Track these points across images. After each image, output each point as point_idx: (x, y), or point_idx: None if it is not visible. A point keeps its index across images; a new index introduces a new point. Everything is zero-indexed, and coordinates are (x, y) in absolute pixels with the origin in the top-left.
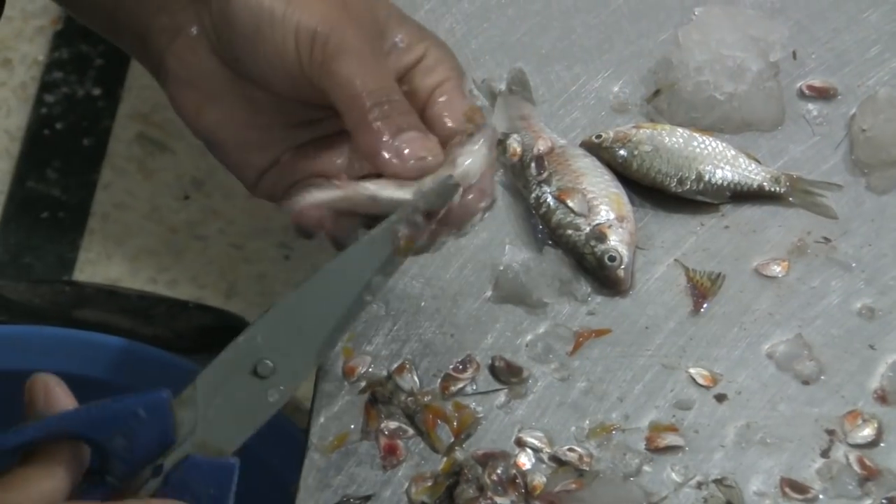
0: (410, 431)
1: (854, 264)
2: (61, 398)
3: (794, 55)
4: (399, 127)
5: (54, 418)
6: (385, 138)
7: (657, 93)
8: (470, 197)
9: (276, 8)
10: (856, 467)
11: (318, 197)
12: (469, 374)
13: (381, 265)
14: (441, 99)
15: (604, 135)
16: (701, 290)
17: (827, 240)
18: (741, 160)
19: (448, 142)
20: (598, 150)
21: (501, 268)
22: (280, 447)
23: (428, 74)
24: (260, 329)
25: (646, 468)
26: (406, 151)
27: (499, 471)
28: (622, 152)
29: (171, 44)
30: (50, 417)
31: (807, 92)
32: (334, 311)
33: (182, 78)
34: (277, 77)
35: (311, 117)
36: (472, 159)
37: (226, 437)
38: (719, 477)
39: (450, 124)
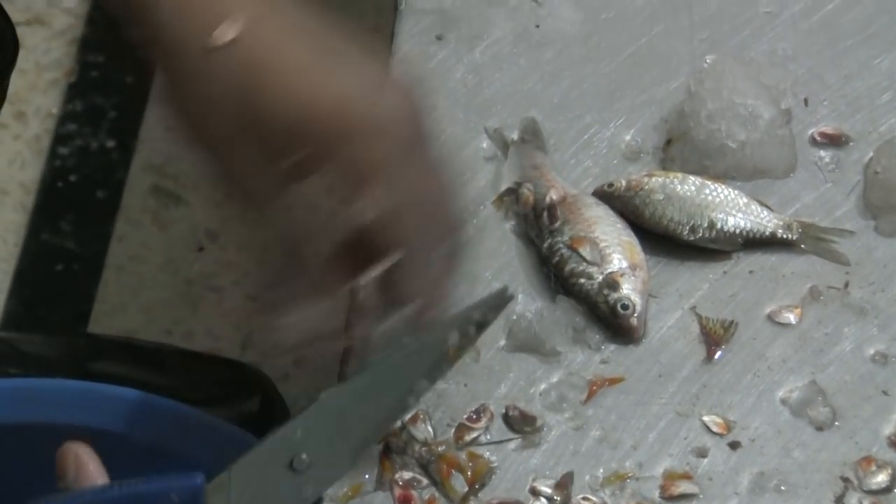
0: (425, 481)
1: (867, 310)
2: (92, 472)
3: (806, 102)
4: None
5: (86, 494)
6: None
7: (670, 142)
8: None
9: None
10: None
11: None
12: (483, 423)
13: (427, 371)
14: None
15: (616, 183)
16: (714, 337)
17: (839, 287)
18: (753, 207)
19: None
20: (610, 198)
21: (514, 317)
22: None
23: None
24: (301, 423)
25: None
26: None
27: None
28: (634, 201)
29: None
30: (80, 492)
31: (818, 139)
32: (377, 411)
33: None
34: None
35: None
36: None
37: None
38: None
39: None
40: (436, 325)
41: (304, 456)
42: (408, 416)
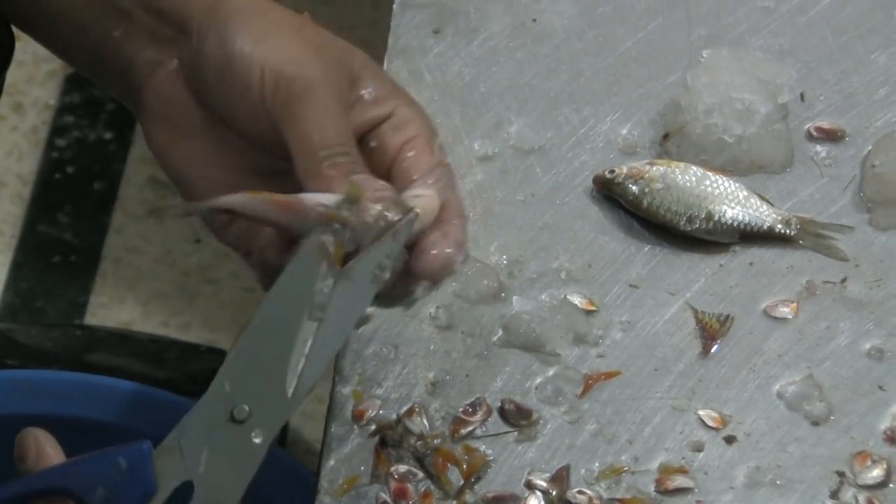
0: (421, 475)
1: (863, 305)
2: (51, 454)
3: (803, 97)
4: (349, 172)
5: (40, 474)
6: (334, 185)
7: (666, 136)
8: (432, 240)
9: (246, 44)
10: None
11: (237, 199)
12: (479, 416)
13: (318, 280)
14: (409, 154)
15: (617, 170)
16: (710, 332)
17: (836, 281)
18: (753, 201)
19: None
20: (610, 185)
21: (513, 312)
22: (290, 490)
23: (397, 132)
24: (224, 377)
25: None
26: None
27: None
28: (634, 188)
29: (150, 78)
30: (36, 473)
31: (815, 134)
32: (290, 339)
33: (157, 112)
34: (241, 112)
35: (278, 167)
36: (422, 194)
37: (226, 489)
38: None
39: (415, 178)
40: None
41: (243, 406)
42: (399, 404)
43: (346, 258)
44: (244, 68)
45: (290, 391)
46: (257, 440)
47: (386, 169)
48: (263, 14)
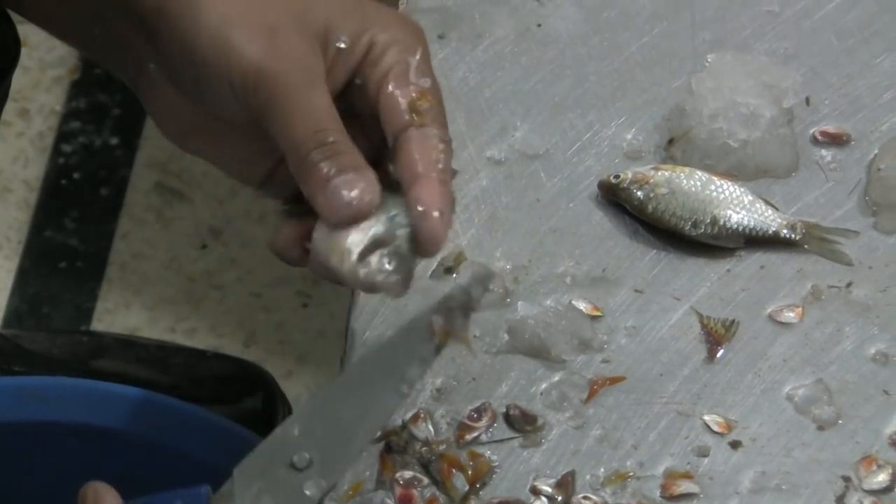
0: (426, 481)
1: (868, 310)
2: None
3: (808, 101)
4: (333, 173)
5: None
6: (322, 184)
7: (671, 141)
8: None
9: (209, 54)
10: None
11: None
12: (484, 422)
13: (417, 357)
14: (388, 90)
15: (622, 175)
16: (715, 336)
17: (841, 286)
18: (758, 205)
19: (400, 138)
20: (615, 190)
21: (518, 317)
22: None
23: (375, 65)
24: (298, 420)
25: None
26: (342, 193)
27: None
28: (639, 194)
29: (139, 80)
30: None
31: (820, 138)
32: (371, 402)
33: (157, 112)
34: (233, 116)
35: None
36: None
37: None
38: None
39: (395, 122)
40: (420, 314)
41: (304, 454)
42: (404, 409)
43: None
44: (214, 85)
45: (355, 454)
46: (309, 492)
47: (373, 107)
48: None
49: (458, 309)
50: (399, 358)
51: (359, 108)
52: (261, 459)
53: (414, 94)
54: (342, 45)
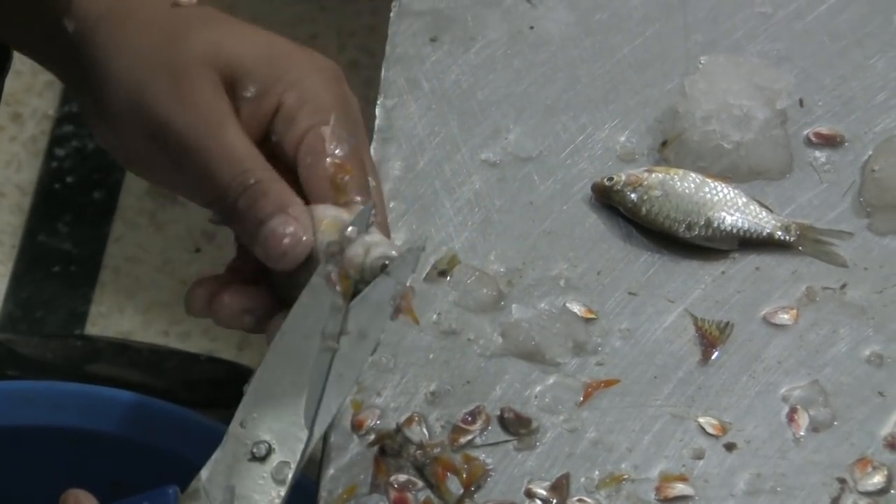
0: (420, 484)
1: (863, 311)
2: None
3: (801, 103)
4: (260, 220)
5: None
6: (254, 234)
7: (665, 143)
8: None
9: (123, 112)
10: None
11: None
12: (478, 425)
13: (329, 310)
14: (306, 162)
15: (615, 177)
16: (709, 339)
17: (835, 287)
18: (752, 207)
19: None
20: (608, 192)
21: (512, 319)
22: (291, 500)
23: (288, 128)
24: (241, 415)
25: None
26: (272, 245)
27: None
28: (632, 196)
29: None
30: None
31: (814, 139)
32: (302, 369)
33: (102, 142)
34: (162, 166)
35: None
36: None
37: None
38: None
39: (319, 197)
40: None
41: (260, 444)
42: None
43: (355, 289)
44: (127, 140)
45: (309, 423)
46: (279, 477)
47: (292, 161)
48: (118, 56)
49: (341, 253)
50: (312, 318)
51: (282, 160)
52: (222, 459)
53: (331, 170)
54: (250, 95)
